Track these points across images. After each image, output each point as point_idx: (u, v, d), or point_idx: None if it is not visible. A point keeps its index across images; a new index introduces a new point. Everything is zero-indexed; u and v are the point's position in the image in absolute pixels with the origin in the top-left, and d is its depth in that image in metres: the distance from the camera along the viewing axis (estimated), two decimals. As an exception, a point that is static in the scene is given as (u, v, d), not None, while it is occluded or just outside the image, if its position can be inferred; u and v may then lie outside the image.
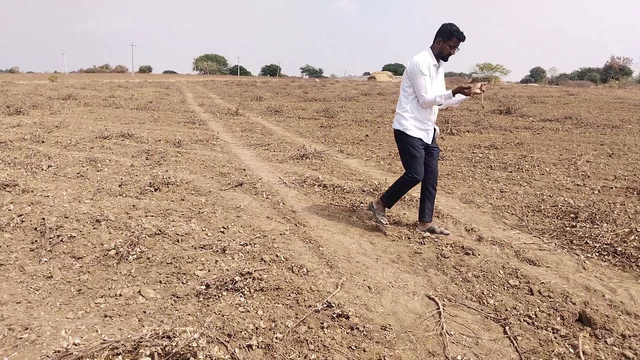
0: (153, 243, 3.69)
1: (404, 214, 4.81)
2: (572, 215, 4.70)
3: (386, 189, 5.46)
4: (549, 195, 5.49)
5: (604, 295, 3.12)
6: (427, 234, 4.24)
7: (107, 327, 2.60)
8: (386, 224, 4.29)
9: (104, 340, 2.42)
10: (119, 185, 5.51)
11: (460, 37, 3.90)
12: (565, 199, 5.20)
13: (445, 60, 4.03)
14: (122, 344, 2.35)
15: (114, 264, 3.37)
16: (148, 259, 3.46)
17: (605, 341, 2.58)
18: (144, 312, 2.78)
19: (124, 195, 5.11)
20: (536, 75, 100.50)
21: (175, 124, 11.99)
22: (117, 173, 6.22)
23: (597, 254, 3.85)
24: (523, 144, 9.11)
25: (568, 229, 4.36)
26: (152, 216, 4.42)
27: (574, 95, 25.07)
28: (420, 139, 4.12)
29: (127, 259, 3.44)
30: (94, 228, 3.99)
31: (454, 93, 3.89)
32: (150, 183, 5.43)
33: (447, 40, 3.90)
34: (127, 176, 6.03)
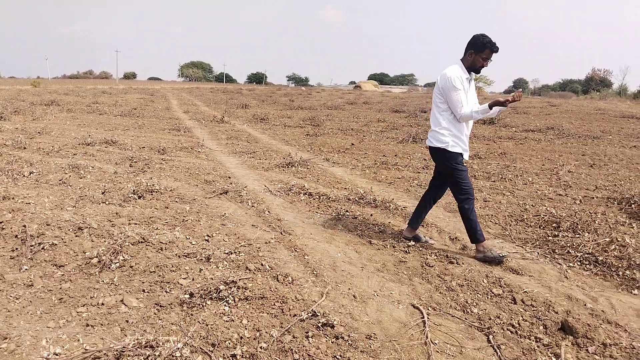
0: (136, 251, 3.65)
1: (389, 222, 4.83)
2: (554, 224, 4.76)
3: (374, 198, 5.49)
4: (532, 205, 5.57)
5: (585, 305, 3.16)
6: (412, 242, 4.25)
7: (89, 337, 2.57)
8: (503, 255, 3.93)
9: (86, 349, 2.39)
10: (102, 193, 5.45)
11: (494, 49, 3.77)
12: (548, 209, 5.28)
13: (478, 72, 3.90)
14: (105, 354, 2.32)
15: (96, 273, 3.33)
16: (131, 267, 3.42)
17: (587, 350, 2.61)
18: (127, 321, 2.75)
19: (107, 202, 5.05)
20: (519, 86, 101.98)
21: (160, 130, 11.91)
22: (100, 180, 6.15)
23: (578, 263, 3.91)
24: (506, 154, 9.23)
25: (550, 238, 4.42)
26: (136, 224, 4.38)
27: (556, 106, 25.51)
28: (461, 154, 3.97)
29: (109, 268, 3.40)
30: (76, 236, 3.94)
31: (490, 106, 3.75)
32: (133, 190, 5.38)
33: (480, 52, 3.77)
34: (111, 183, 5.96)
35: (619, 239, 4.16)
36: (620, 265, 3.78)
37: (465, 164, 4.00)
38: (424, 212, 4.34)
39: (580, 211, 5.09)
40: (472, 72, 3.91)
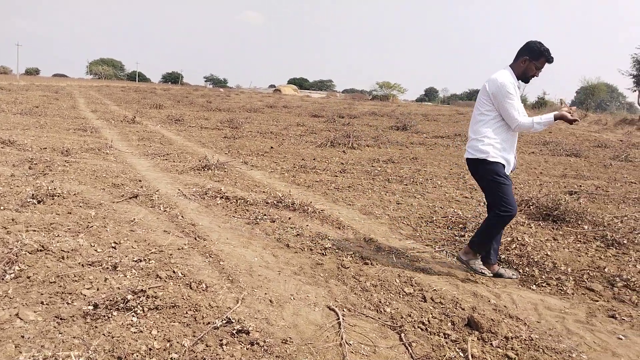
0: (34, 260, 3.36)
1: (307, 225, 4.85)
2: (461, 225, 5.04)
3: (292, 201, 5.48)
4: (441, 207, 5.86)
5: (489, 301, 3.37)
6: (488, 274, 3.84)
7: (-26, 357, 2.31)
8: (490, 274, 3.79)
9: (-31, 373, 2.15)
10: (-5, 197, 4.96)
11: (549, 59, 3.51)
12: (455, 210, 5.58)
13: (527, 82, 3.61)
14: (-8, 376, 2.10)
15: (-14, 285, 3.01)
16: (28, 277, 3.14)
17: (491, 344, 2.77)
18: (22, 336, 2.51)
19: (1, 208, 4.60)
20: (430, 94, 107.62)
21: (64, 131, 11.10)
22: (-7, 183, 5.60)
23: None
24: (417, 158, 9.66)
25: (457, 238, 4.67)
26: (34, 231, 4.03)
27: (463, 114, 27.15)
28: (503, 165, 3.62)
29: (3, 279, 3.09)
30: (-38, 245, 3.55)
31: (555, 118, 3.46)
32: (32, 195, 4.95)
33: (535, 60, 3.50)
34: (7, 187, 5.44)
35: (519, 239, 4.48)
36: (520, 262, 4.07)
37: (508, 178, 3.64)
38: (494, 242, 3.81)
39: (485, 213, 5.42)
40: (520, 81, 3.62)
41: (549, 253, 4.28)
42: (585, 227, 5.06)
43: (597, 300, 3.49)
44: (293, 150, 10.12)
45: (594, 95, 46.44)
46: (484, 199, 3.73)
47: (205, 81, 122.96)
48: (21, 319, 2.67)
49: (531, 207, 5.78)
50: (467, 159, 3.77)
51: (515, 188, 7.15)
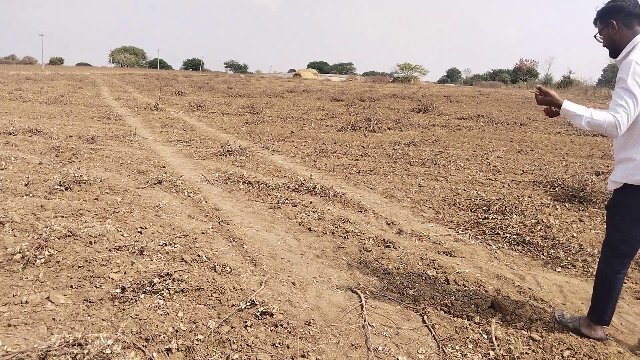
0: (63, 245, 3.45)
1: (329, 209, 4.86)
2: (484, 207, 4.98)
3: (314, 185, 5.50)
4: (464, 189, 5.79)
5: (514, 283, 3.34)
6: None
7: (10, 338, 2.40)
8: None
9: (7, 352, 2.24)
10: (26, 185, 5.09)
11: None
12: (478, 193, 5.51)
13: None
14: (28, 355, 2.19)
15: (20, 269, 3.12)
16: (57, 262, 3.23)
17: (515, 326, 2.76)
18: (54, 319, 2.60)
19: (30, 195, 4.74)
20: (452, 75, 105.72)
21: (89, 119, 11.30)
22: (24, 171, 5.75)
23: (507, 243, 4.11)
24: (440, 141, 9.54)
25: (481, 220, 4.62)
26: (62, 217, 4.13)
27: (487, 95, 26.68)
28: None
29: (34, 263, 3.19)
30: (-5, 231, 3.67)
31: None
32: (60, 182, 5.07)
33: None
34: (35, 175, 5.59)
35: (544, 220, 4.41)
36: (545, 245, 4.01)
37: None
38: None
39: (509, 194, 5.35)
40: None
41: (574, 234, 4.21)
42: (613, 208, 4.95)
43: (625, 283, 3.42)
44: (314, 134, 10.11)
45: (622, 73, 44.86)
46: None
47: (226, 67, 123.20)
48: (52, 302, 2.76)
49: (556, 188, 5.68)
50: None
51: (540, 169, 7.02)
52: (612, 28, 2.45)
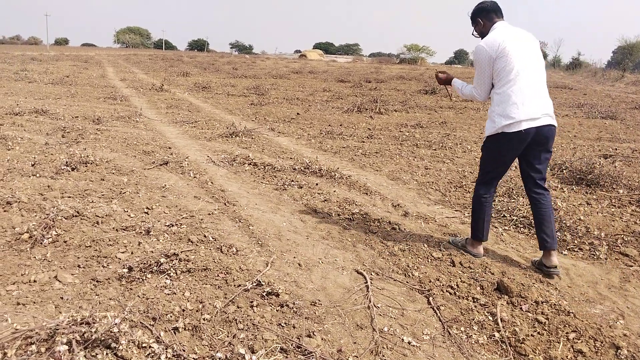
0: (70, 225, 3.47)
1: (334, 191, 4.85)
2: (490, 190, 4.95)
3: (319, 167, 5.48)
4: (470, 172, 5.76)
5: (520, 265, 3.33)
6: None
7: (19, 316, 2.43)
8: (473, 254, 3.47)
9: (16, 329, 2.26)
10: (32, 165, 5.11)
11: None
12: (485, 175, 5.47)
13: None
14: (37, 333, 2.21)
15: (27, 249, 3.14)
16: (65, 242, 3.26)
17: (521, 308, 2.76)
18: (61, 298, 2.62)
19: (37, 175, 4.76)
20: (460, 56, 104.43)
21: (95, 99, 11.29)
22: (30, 152, 5.77)
23: (513, 226, 4.10)
24: (447, 123, 9.47)
25: (487, 203, 4.59)
26: (69, 197, 4.15)
27: (494, 76, 26.36)
28: None
29: (41, 243, 3.21)
30: (5, 211, 3.69)
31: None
32: (66, 162, 5.08)
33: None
34: (41, 155, 5.61)
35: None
36: (550, 227, 3.99)
37: None
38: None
39: (515, 177, 5.32)
40: None
41: (582, 217, 4.19)
42: (621, 191, 4.92)
43: (632, 266, 3.41)
44: (319, 116, 10.06)
45: (632, 55, 44.03)
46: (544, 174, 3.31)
47: (231, 48, 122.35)
48: (60, 281, 2.79)
49: (564, 171, 5.64)
50: (554, 127, 3.16)
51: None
52: (480, 24, 3.30)
